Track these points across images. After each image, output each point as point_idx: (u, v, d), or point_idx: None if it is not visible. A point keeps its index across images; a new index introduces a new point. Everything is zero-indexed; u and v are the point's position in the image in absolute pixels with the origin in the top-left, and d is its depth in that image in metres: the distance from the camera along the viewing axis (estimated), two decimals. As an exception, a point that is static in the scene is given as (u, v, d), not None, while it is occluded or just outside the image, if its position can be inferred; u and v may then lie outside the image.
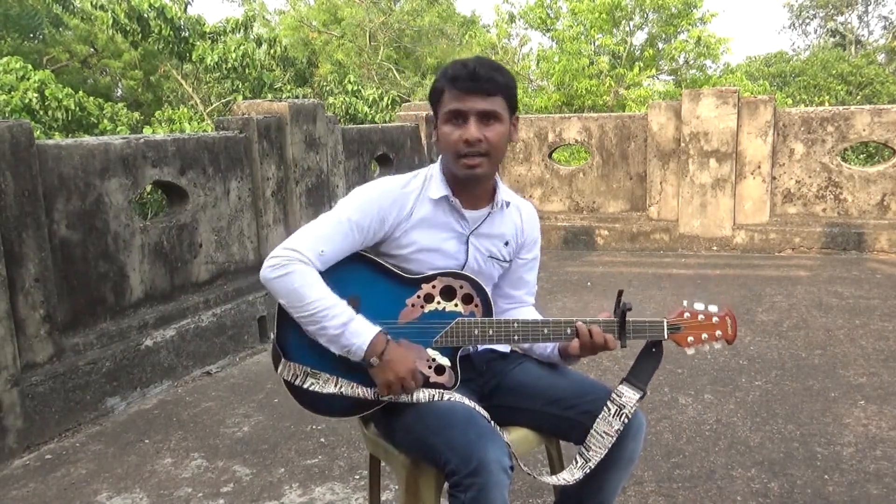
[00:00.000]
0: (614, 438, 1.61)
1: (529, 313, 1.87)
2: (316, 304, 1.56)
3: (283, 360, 1.65)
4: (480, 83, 1.60)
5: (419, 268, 1.69)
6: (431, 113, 1.74)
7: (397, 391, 1.59)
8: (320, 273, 1.61)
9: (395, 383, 1.58)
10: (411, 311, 1.66)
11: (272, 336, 1.70)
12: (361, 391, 1.63)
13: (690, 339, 1.68)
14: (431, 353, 1.66)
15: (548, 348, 1.78)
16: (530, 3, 17.26)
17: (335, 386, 1.63)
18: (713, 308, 1.70)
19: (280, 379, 1.67)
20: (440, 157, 1.73)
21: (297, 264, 1.58)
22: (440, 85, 1.65)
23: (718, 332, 1.68)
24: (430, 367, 1.65)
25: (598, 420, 1.62)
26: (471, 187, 1.70)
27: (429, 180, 1.72)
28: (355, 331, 1.57)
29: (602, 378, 3.47)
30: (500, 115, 1.63)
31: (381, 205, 1.66)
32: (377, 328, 1.59)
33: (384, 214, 1.66)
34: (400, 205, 1.67)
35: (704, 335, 1.68)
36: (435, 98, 1.68)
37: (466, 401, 1.60)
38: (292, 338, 1.65)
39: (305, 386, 1.63)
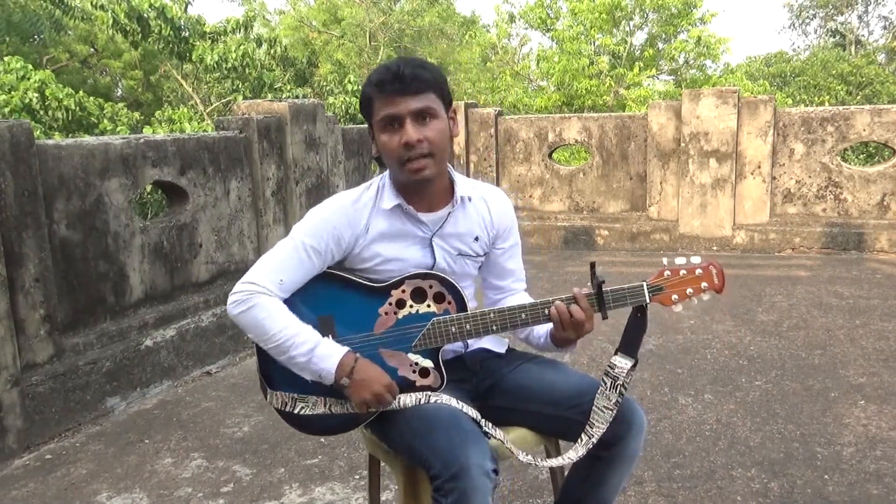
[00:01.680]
0: (614, 411, 1.60)
1: (521, 300, 1.84)
2: (280, 334, 1.56)
3: (269, 390, 1.66)
4: (407, 83, 1.55)
5: (388, 276, 1.66)
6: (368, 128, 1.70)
7: (374, 407, 1.59)
8: (288, 299, 1.60)
9: (371, 400, 1.57)
10: (386, 320, 1.64)
11: (256, 368, 1.71)
12: (350, 406, 1.62)
13: (675, 297, 1.63)
14: (413, 357, 1.65)
15: (540, 338, 1.76)
16: (530, 3, 17.26)
17: (325, 406, 1.63)
18: (696, 259, 1.64)
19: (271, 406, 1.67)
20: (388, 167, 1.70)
21: (259, 297, 1.58)
22: (368, 93, 1.60)
23: (704, 284, 1.63)
24: (414, 372, 1.64)
25: (596, 396, 1.62)
26: (423, 191, 1.66)
27: (381, 190, 1.68)
28: (322, 355, 1.56)
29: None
30: (436, 111, 1.59)
31: (334, 224, 1.63)
32: (344, 349, 1.58)
33: (339, 234, 1.63)
34: (354, 222, 1.65)
35: (689, 290, 1.63)
36: (366, 108, 1.63)
37: (454, 402, 1.59)
38: (273, 368, 1.65)
39: (296, 411, 1.63)
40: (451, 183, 1.72)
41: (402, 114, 1.56)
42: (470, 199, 1.73)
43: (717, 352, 3.83)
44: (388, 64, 1.59)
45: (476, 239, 1.75)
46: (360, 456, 2.77)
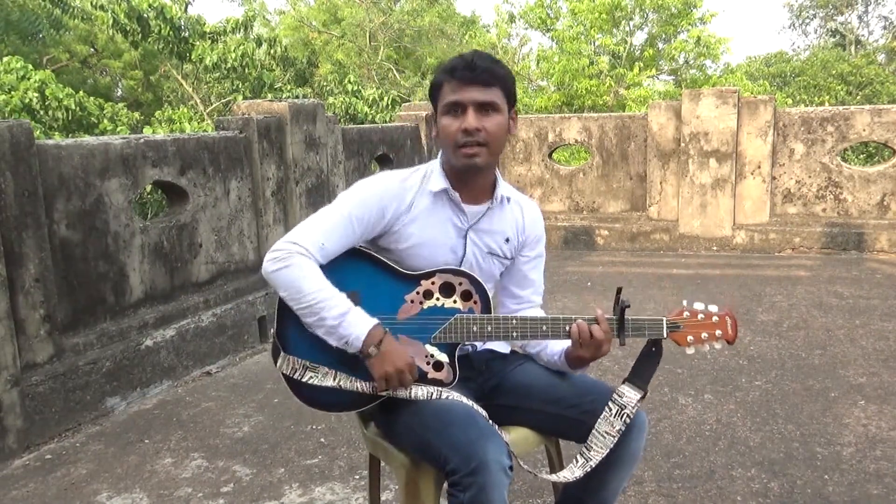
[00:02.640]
0: (616, 438, 1.61)
1: (537, 315, 1.86)
2: (314, 295, 1.57)
3: (282, 353, 1.66)
4: (478, 73, 1.61)
5: (418, 262, 1.69)
6: (432, 111, 1.74)
7: (394, 384, 1.59)
8: (321, 267, 1.62)
9: (393, 375, 1.58)
10: (410, 307, 1.66)
11: (272, 330, 1.71)
12: (360, 385, 1.62)
13: (690, 338, 1.67)
14: (429, 349, 1.66)
15: (554, 356, 1.77)
16: (530, 3, 17.26)
17: (334, 379, 1.63)
18: (713, 308, 1.69)
19: (280, 376, 1.67)
20: (440, 152, 1.74)
21: (298, 257, 1.59)
22: (439, 78, 1.67)
23: (718, 332, 1.68)
24: (428, 364, 1.65)
25: (599, 420, 1.62)
26: (470, 181, 1.70)
27: (429, 175, 1.73)
28: (353, 321, 1.57)
29: (602, 378, 3.47)
30: (498, 106, 1.64)
31: (381, 197, 1.67)
32: (375, 320, 1.60)
33: (384, 207, 1.67)
34: (400, 198, 1.68)
35: (704, 334, 1.67)
36: (434, 92, 1.69)
37: (464, 399, 1.60)
38: (292, 332, 1.65)
39: (304, 379, 1.63)
40: (495, 181, 1.76)
41: (466, 101, 1.62)
42: (509, 200, 1.78)
43: (716, 352, 3.83)
44: (464, 54, 1.66)
45: (507, 240, 1.79)
46: (360, 456, 2.77)
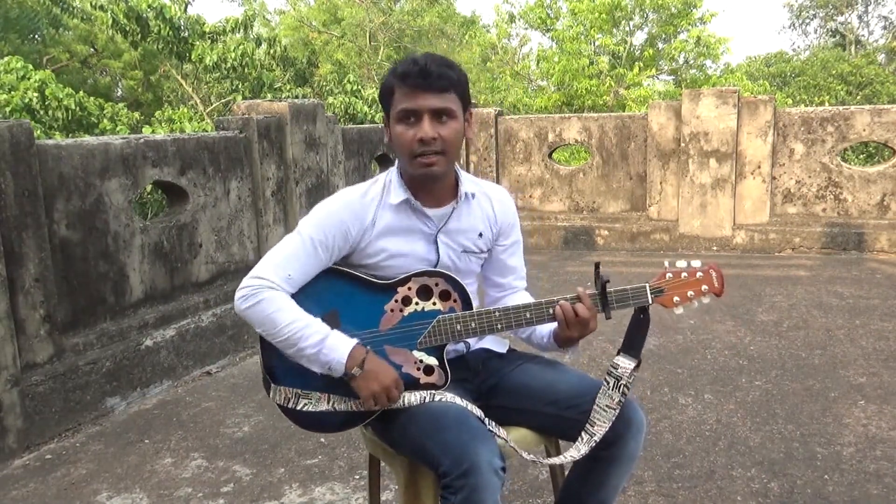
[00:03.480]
0: (617, 411, 1.61)
1: (522, 298, 1.85)
2: (290, 327, 1.56)
3: (272, 385, 1.65)
4: (432, 80, 1.56)
5: (392, 273, 1.67)
6: (382, 117, 1.71)
7: (382, 402, 1.58)
8: (294, 295, 1.61)
9: (380, 393, 1.57)
10: (391, 317, 1.65)
11: (260, 362, 1.70)
12: (354, 404, 1.62)
13: (676, 298, 1.66)
14: (417, 354, 1.65)
15: (543, 338, 1.76)
16: (530, 3, 17.27)
17: (328, 403, 1.62)
18: (696, 263, 1.67)
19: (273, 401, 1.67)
20: (397, 160, 1.71)
21: (267, 291, 1.58)
22: (390, 83, 1.61)
23: (704, 287, 1.66)
24: (418, 369, 1.65)
25: (598, 395, 1.63)
26: (430, 186, 1.67)
27: (388, 185, 1.69)
28: (332, 346, 1.56)
29: (602, 377, 3.47)
30: (454, 112, 1.60)
31: (341, 218, 1.64)
32: (354, 341, 1.58)
33: (346, 228, 1.64)
34: (361, 216, 1.65)
35: (690, 292, 1.66)
36: (385, 97, 1.63)
37: (459, 400, 1.60)
38: (277, 363, 1.65)
39: (299, 407, 1.63)
40: (457, 180, 1.73)
41: (421, 109, 1.57)
42: (474, 196, 1.75)
43: (717, 352, 3.83)
44: (416, 57, 1.59)
45: (480, 235, 1.77)
46: (360, 456, 2.77)
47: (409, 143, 1.59)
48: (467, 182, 1.74)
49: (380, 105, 1.70)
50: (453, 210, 1.71)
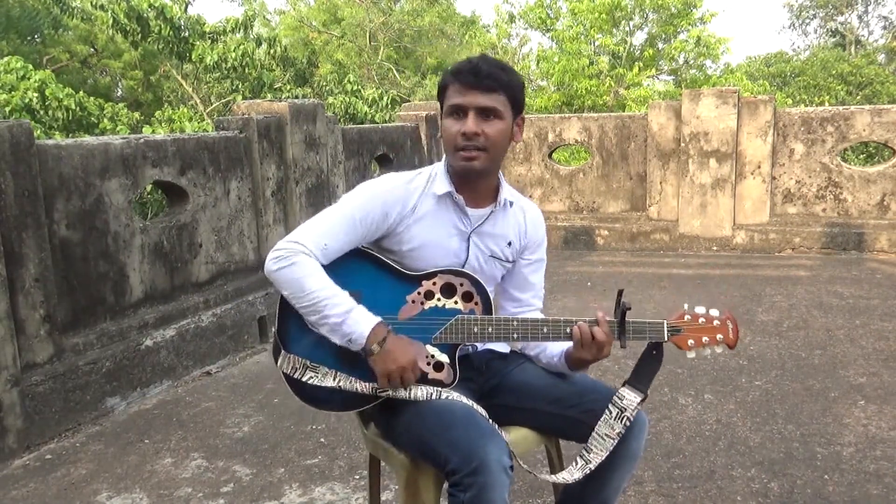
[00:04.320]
0: (616, 441, 1.61)
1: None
2: (318, 293, 1.57)
3: (282, 352, 1.66)
4: (481, 79, 1.62)
5: (420, 264, 1.69)
6: (436, 112, 1.75)
7: (396, 382, 1.59)
8: (323, 267, 1.62)
9: (395, 372, 1.58)
10: (411, 308, 1.67)
11: (273, 329, 1.71)
12: (360, 386, 1.62)
13: (691, 341, 1.68)
14: (430, 349, 1.66)
15: (554, 357, 1.77)
16: (530, 3, 17.27)
17: (334, 380, 1.63)
18: (714, 311, 1.69)
19: (280, 376, 1.67)
20: (444, 155, 1.75)
21: (301, 256, 1.59)
22: (446, 80, 1.68)
23: (719, 336, 1.68)
24: (428, 364, 1.66)
25: (599, 423, 1.62)
26: (472, 184, 1.71)
27: (433, 177, 1.73)
28: (356, 319, 1.58)
29: (602, 378, 3.47)
30: (500, 113, 1.64)
31: (385, 200, 1.67)
32: (378, 318, 1.60)
33: (388, 209, 1.67)
34: (404, 200, 1.69)
35: (705, 338, 1.67)
36: (441, 93, 1.70)
37: (465, 399, 1.60)
38: (293, 330, 1.66)
39: (304, 379, 1.63)
40: (498, 185, 1.76)
41: (467, 105, 1.63)
42: (511, 205, 1.79)
43: (716, 353, 3.83)
44: (472, 58, 1.67)
45: (509, 244, 1.79)
46: (360, 456, 2.77)
47: (454, 136, 1.64)
48: (508, 190, 1.78)
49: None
50: (490, 213, 1.75)
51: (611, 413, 1.62)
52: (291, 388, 1.67)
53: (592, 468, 1.61)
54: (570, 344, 1.68)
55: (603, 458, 1.61)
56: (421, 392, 1.61)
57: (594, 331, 1.64)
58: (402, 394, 1.61)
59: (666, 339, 1.67)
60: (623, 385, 1.66)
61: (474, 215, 1.74)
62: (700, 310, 1.69)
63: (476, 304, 1.67)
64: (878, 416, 3.00)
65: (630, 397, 1.64)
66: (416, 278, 1.68)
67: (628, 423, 1.61)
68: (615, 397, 1.64)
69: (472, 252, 1.74)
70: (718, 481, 2.51)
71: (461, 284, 1.67)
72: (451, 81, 1.65)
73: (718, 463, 2.64)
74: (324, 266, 1.62)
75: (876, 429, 2.89)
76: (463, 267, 1.72)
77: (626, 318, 1.65)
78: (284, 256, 1.60)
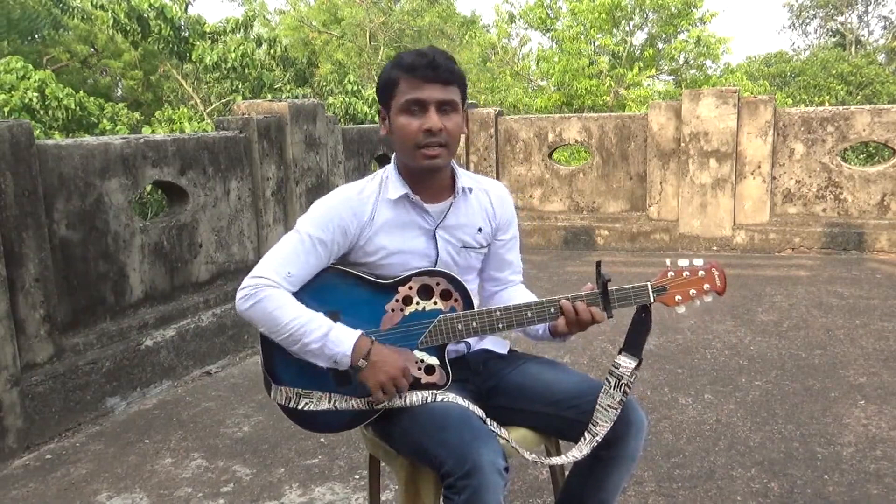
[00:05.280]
0: (618, 410, 1.61)
1: (519, 292, 1.87)
2: (292, 323, 1.56)
3: (273, 385, 1.65)
4: (440, 72, 1.58)
5: (392, 271, 1.67)
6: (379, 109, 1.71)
7: (390, 391, 1.58)
8: (295, 294, 1.61)
9: (387, 383, 1.56)
10: (392, 317, 1.65)
11: (260, 362, 1.70)
12: (355, 403, 1.62)
13: (678, 297, 1.66)
14: (419, 354, 1.65)
15: (539, 329, 1.77)
16: (530, 3, 17.27)
17: (329, 402, 1.62)
18: (698, 261, 1.67)
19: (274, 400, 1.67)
20: (393, 156, 1.71)
21: (267, 290, 1.58)
22: (394, 75, 1.61)
23: (706, 286, 1.66)
24: (419, 369, 1.64)
25: (600, 395, 1.63)
26: (429, 180, 1.68)
27: (385, 182, 1.69)
28: (336, 339, 1.56)
29: (602, 377, 3.47)
30: (457, 105, 1.62)
31: (340, 215, 1.64)
32: (358, 332, 1.58)
33: (345, 225, 1.64)
34: (359, 212, 1.66)
35: (692, 291, 1.65)
36: (387, 89, 1.63)
37: (460, 400, 1.60)
38: (279, 363, 1.65)
39: (300, 407, 1.62)
40: (453, 176, 1.73)
41: (428, 100, 1.58)
42: (471, 191, 1.75)
43: (717, 352, 3.83)
44: (422, 50, 1.61)
45: (479, 230, 1.77)
46: (360, 456, 2.77)
47: (414, 133, 1.59)
48: (464, 177, 1.74)
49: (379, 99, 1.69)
50: (451, 205, 1.72)
51: (609, 383, 1.63)
52: (288, 416, 1.66)
53: (599, 440, 1.61)
54: None
55: (608, 428, 1.60)
56: (416, 398, 1.60)
57: (577, 306, 1.64)
58: (398, 402, 1.60)
59: (652, 300, 1.66)
60: (618, 353, 1.67)
61: (435, 211, 1.70)
62: (683, 262, 1.67)
63: (456, 300, 1.66)
64: (878, 416, 3.00)
65: (626, 364, 1.64)
66: (392, 286, 1.65)
67: (627, 390, 1.62)
68: (611, 366, 1.65)
69: (441, 248, 1.72)
70: (718, 481, 2.51)
71: (437, 284, 1.65)
72: (404, 76, 1.59)
73: (718, 463, 2.64)
74: (295, 292, 1.61)
75: (876, 429, 2.88)
76: (435, 265, 1.70)
77: (609, 288, 1.64)
78: (251, 294, 1.59)
